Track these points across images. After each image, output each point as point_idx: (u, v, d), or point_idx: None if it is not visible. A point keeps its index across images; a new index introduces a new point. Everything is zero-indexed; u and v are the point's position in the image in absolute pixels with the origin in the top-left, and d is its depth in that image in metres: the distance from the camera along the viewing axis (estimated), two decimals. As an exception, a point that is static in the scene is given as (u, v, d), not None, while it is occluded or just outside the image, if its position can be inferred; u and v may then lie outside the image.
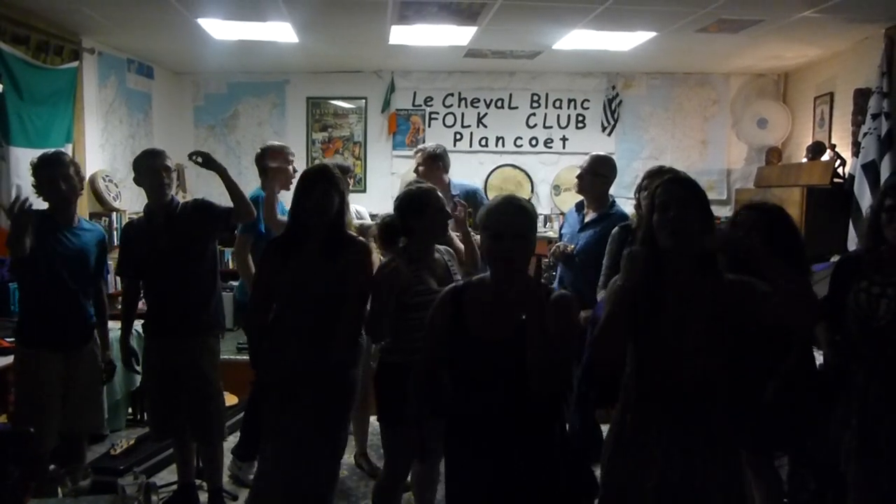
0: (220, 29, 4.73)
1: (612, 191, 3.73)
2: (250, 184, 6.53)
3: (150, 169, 3.13)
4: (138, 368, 3.40)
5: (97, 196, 5.00)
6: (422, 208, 2.68)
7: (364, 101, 6.58)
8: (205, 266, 3.23)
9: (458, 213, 3.14)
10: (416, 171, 4.10)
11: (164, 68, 6.21)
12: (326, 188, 2.62)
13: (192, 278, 3.17)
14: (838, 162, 4.95)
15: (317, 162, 4.55)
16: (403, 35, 4.94)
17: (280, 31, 4.82)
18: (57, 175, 2.98)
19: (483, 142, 6.58)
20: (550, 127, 6.58)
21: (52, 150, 3.36)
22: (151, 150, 3.27)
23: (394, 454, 2.72)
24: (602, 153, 3.79)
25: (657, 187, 2.04)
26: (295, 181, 2.89)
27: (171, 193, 3.21)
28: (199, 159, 3.18)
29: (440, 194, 2.79)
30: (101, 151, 5.16)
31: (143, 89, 5.84)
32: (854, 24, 4.58)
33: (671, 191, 2.00)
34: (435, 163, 4.04)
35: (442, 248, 2.87)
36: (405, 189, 2.87)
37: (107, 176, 5.15)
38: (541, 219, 5.82)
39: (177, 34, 4.95)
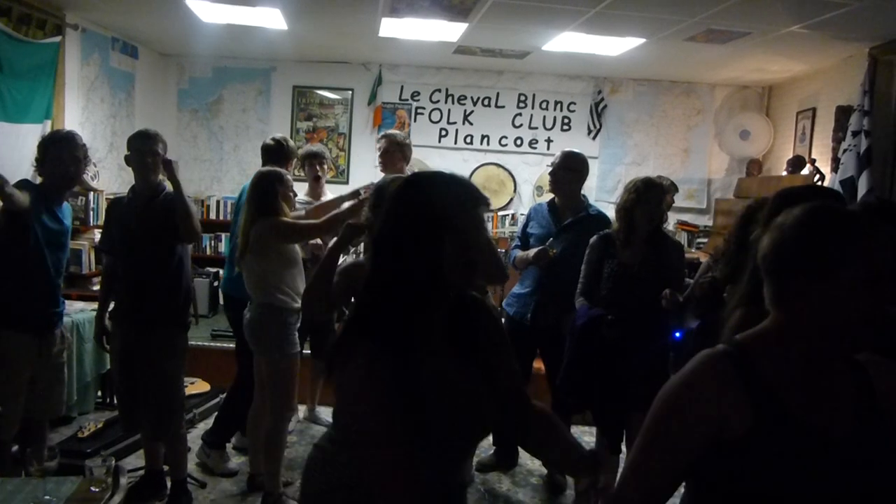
0: (208, 11, 4.67)
1: (593, 195, 3.73)
2: (230, 171, 6.58)
3: (136, 151, 3.09)
4: (108, 346, 3.36)
5: (75, 175, 4.92)
6: (378, 202, 2.61)
7: (351, 92, 6.54)
8: (172, 258, 3.13)
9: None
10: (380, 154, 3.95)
11: (149, 49, 6.12)
12: None
13: (157, 267, 3.09)
14: (817, 176, 5.01)
15: (300, 149, 4.37)
16: (394, 28, 4.91)
17: (269, 17, 4.77)
18: (65, 155, 2.94)
19: (468, 139, 6.58)
20: (536, 128, 6.60)
21: (66, 129, 3.32)
22: (145, 132, 3.18)
23: None
24: (573, 150, 3.73)
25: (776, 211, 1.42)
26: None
27: (159, 178, 3.15)
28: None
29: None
30: (81, 130, 5.04)
31: (126, 69, 5.74)
32: (839, 42, 4.65)
33: None
34: (400, 150, 3.90)
35: None
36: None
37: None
38: (522, 219, 5.86)
39: (164, 15, 4.88)
